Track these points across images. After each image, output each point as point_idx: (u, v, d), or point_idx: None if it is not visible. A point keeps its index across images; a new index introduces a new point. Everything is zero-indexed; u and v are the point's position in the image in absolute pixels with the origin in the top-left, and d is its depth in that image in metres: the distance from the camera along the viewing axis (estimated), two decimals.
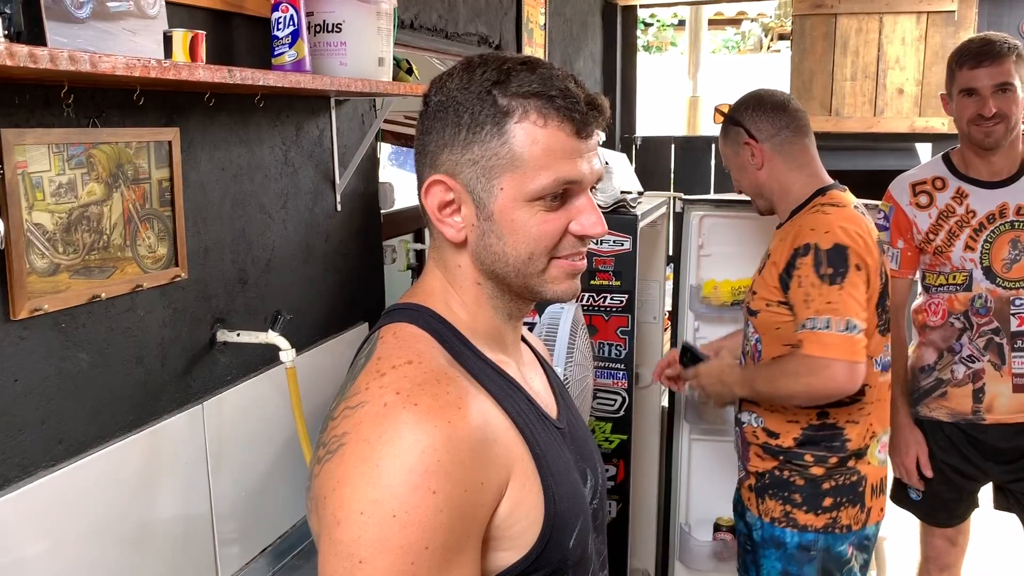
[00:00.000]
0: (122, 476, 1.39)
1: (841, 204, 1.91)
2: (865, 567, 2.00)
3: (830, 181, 1.97)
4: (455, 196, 0.93)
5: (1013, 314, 2.24)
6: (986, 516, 2.60)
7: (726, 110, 2.08)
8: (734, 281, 2.83)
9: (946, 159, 2.39)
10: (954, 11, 4.17)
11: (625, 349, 2.33)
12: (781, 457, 1.96)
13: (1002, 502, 2.47)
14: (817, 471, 1.93)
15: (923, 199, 2.34)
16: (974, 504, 2.50)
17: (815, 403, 1.89)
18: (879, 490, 1.98)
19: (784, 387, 1.87)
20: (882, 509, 1.99)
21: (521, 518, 0.88)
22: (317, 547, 0.84)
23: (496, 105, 0.90)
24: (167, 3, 1.37)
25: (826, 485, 1.92)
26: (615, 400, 2.36)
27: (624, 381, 2.35)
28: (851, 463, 1.93)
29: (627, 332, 2.32)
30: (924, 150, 4.36)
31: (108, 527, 1.36)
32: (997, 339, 2.27)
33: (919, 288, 2.44)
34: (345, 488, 0.80)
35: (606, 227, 0.98)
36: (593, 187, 0.97)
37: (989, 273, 2.25)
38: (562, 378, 1.80)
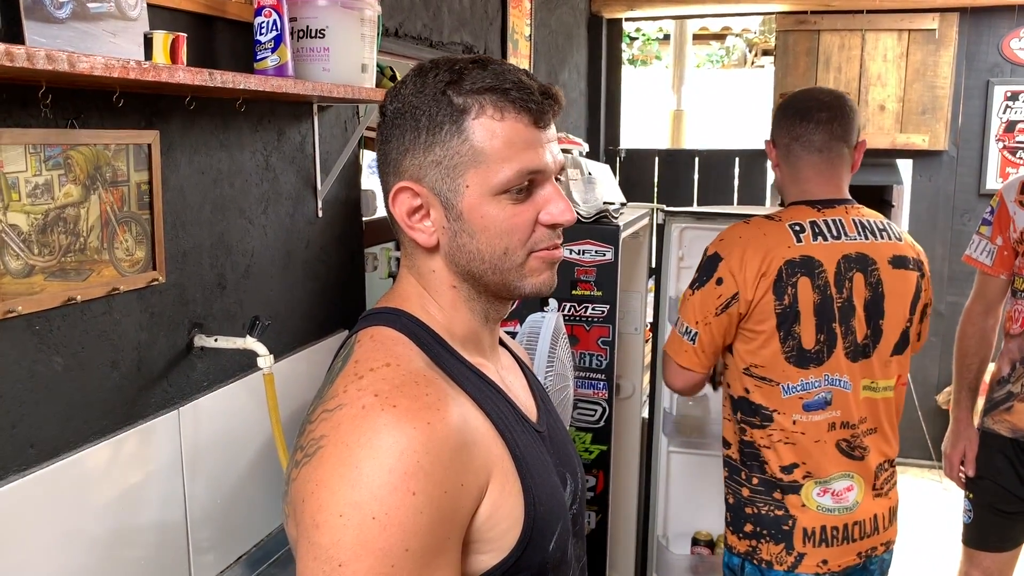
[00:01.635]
0: (95, 482, 1.37)
1: (775, 218, 1.87)
2: None
3: (818, 197, 1.88)
4: (422, 201, 0.94)
5: None
6: None
7: None
8: None
9: None
10: (935, 29, 4.22)
11: (606, 359, 2.33)
12: (728, 470, 1.97)
13: None
14: (744, 492, 1.91)
15: None
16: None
17: (677, 394, 2.02)
18: (821, 539, 1.85)
19: None
20: (825, 562, 1.85)
21: (501, 520, 0.88)
22: (294, 553, 0.83)
23: (452, 104, 0.91)
24: (149, 5, 1.36)
25: (748, 510, 1.90)
26: (595, 410, 2.36)
27: (604, 391, 2.35)
28: (776, 495, 1.86)
29: (608, 342, 2.32)
30: (905, 166, 4.40)
31: (80, 533, 1.34)
32: None
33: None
34: (324, 491, 0.79)
35: (575, 214, 0.98)
36: (557, 176, 0.98)
37: None
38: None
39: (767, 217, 1.89)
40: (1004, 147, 4.31)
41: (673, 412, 2.96)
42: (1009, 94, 4.27)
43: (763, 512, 1.87)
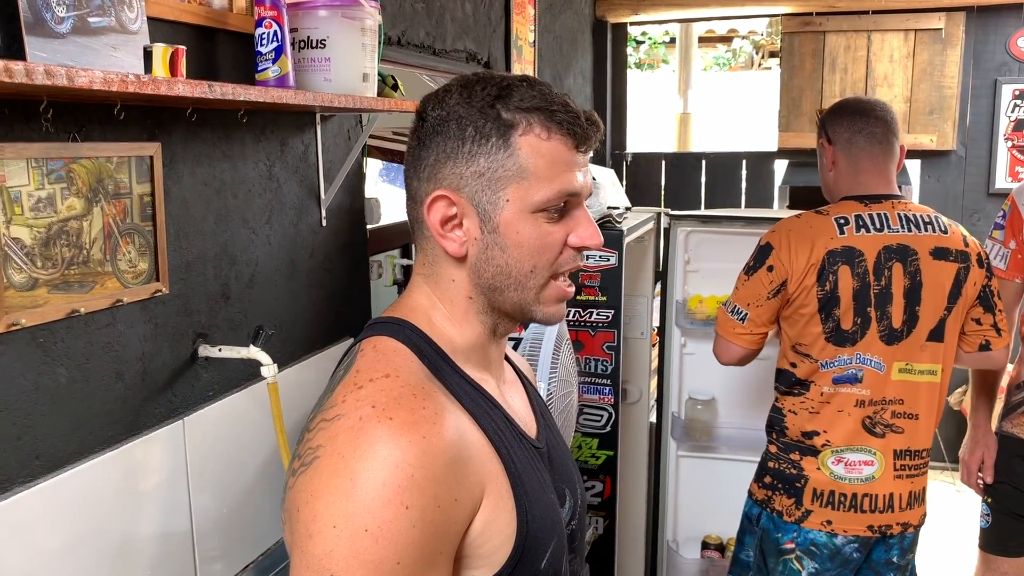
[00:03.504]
0: (101, 493, 1.38)
1: (823, 212, 2.03)
2: None
3: (874, 192, 2.03)
4: (457, 211, 0.94)
5: None
6: None
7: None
8: (720, 296, 2.84)
9: None
10: (941, 29, 4.21)
11: (611, 364, 2.32)
12: (767, 427, 2.15)
13: None
14: (771, 448, 2.12)
15: None
16: None
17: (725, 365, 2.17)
18: (828, 501, 2.01)
19: None
20: (829, 522, 2.01)
21: (494, 536, 0.88)
22: (290, 559, 0.84)
23: (500, 118, 0.92)
24: (150, 19, 1.37)
25: (771, 464, 2.10)
26: (601, 416, 2.36)
27: (610, 397, 2.35)
28: (794, 455, 2.05)
29: (613, 347, 2.32)
30: (913, 167, 4.39)
31: (86, 544, 1.35)
32: None
33: None
34: (318, 501, 0.80)
35: (602, 239, 0.99)
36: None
37: None
38: (545, 394, 1.80)
39: (816, 212, 2.05)
40: (1013, 146, 4.29)
41: (682, 416, 2.96)
42: (1017, 92, 4.26)
43: (781, 468, 2.07)
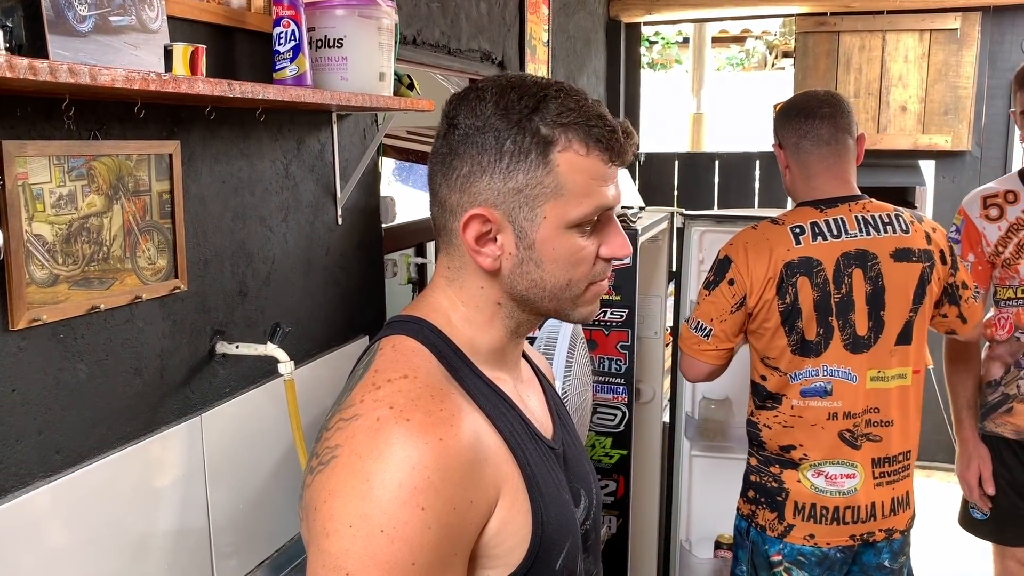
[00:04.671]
0: (119, 488, 1.39)
1: (779, 221, 1.97)
2: None
3: (828, 195, 1.97)
4: (493, 227, 0.93)
5: None
6: None
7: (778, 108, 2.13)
8: None
9: (1021, 174, 2.39)
10: (957, 29, 4.19)
11: (625, 364, 2.33)
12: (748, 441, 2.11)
13: None
14: (752, 461, 2.07)
15: (993, 212, 2.35)
16: None
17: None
18: (810, 515, 1.96)
19: None
20: (812, 536, 1.96)
21: (509, 537, 0.88)
22: (307, 555, 0.84)
23: (540, 134, 0.90)
24: (169, 18, 1.38)
25: (752, 477, 2.06)
26: (615, 415, 2.36)
27: (624, 396, 2.35)
28: (774, 468, 2.01)
29: (627, 347, 2.32)
30: (928, 167, 4.37)
31: (104, 539, 1.36)
32: None
33: (991, 303, 2.42)
34: (335, 500, 0.80)
35: (631, 249, 0.99)
36: None
37: None
38: (561, 393, 1.80)
39: (772, 221, 1.99)
40: None
41: (695, 416, 2.96)
42: None
43: (763, 482, 2.03)
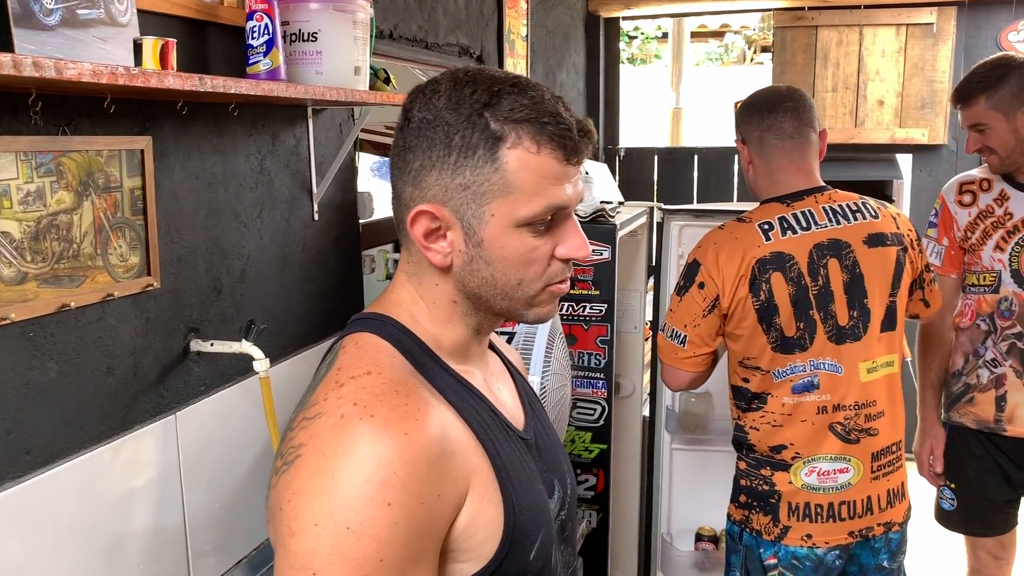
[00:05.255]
0: (92, 488, 1.37)
1: (745, 219, 1.96)
2: None
3: (793, 189, 1.96)
4: (441, 223, 0.92)
5: None
6: None
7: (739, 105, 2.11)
8: None
9: None
10: (933, 23, 4.21)
11: (604, 358, 2.33)
12: (734, 446, 2.08)
13: None
14: (741, 465, 2.03)
15: (967, 198, 2.37)
16: (1014, 516, 2.47)
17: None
18: (804, 515, 1.94)
19: None
20: (809, 536, 1.93)
21: (480, 530, 0.88)
22: (275, 557, 0.83)
23: (489, 129, 0.88)
24: (140, 12, 1.36)
25: (743, 482, 2.02)
26: (594, 409, 2.36)
27: (603, 391, 2.35)
28: (765, 471, 1.97)
29: (606, 341, 2.32)
30: (905, 161, 4.39)
31: (77, 539, 1.34)
32: (1020, 344, 2.27)
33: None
34: (300, 500, 0.79)
35: (590, 250, 0.98)
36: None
37: (1017, 276, 2.26)
38: (539, 388, 1.80)
39: (738, 220, 1.97)
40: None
41: (676, 409, 2.96)
42: None
43: (754, 485, 1.99)
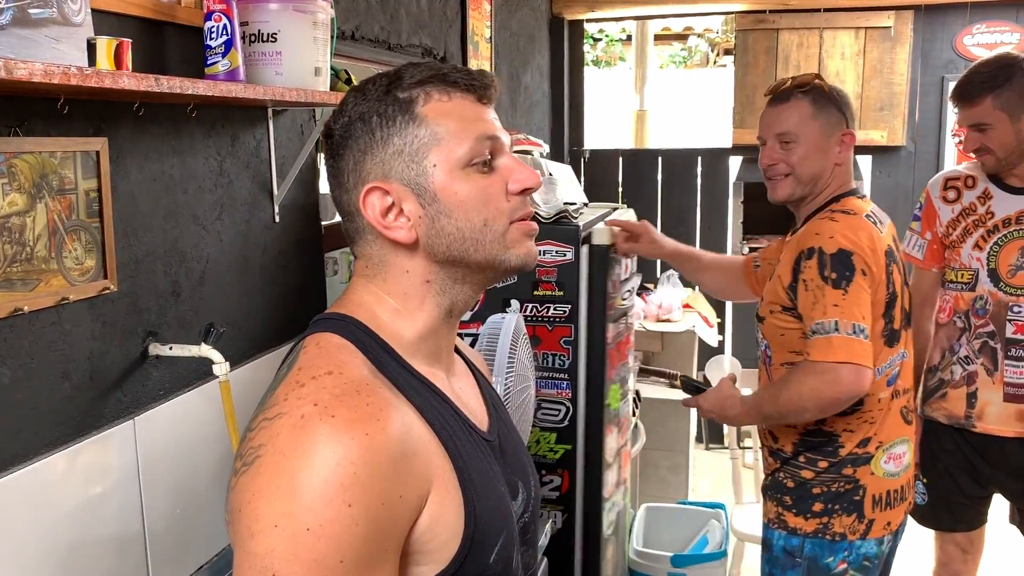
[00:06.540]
0: (48, 495, 1.35)
1: (852, 211, 1.92)
2: None
3: (853, 186, 2.01)
4: (393, 198, 0.93)
5: (1009, 320, 2.27)
6: (1006, 530, 2.60)
7: (819, 82, 1.99)
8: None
9: None
10: (891, 27, 4.28)
11: (568, 359, 2.33)
12: (779, 461, 2.02)
13: (1014, 517, 2.49)
14: (807, 475, 1.96)
15: (951, 194, 2.40)
16: (983, 513, 2.49)
17: (824, 411, 1.83)
18: (885, 503, 1.93)
19: (790, 400, 1.84)
20: (889, 524, 1.95)
21: (441, 531, 0.87)
22: (234, 559, 0.83)
23: (399, 100, 0.94)
24: (95, 11, 1.34)
25: (816, 490, 1.95)
26: (559, 410, 2.36)
27: (568, 391, 2.35)
28: (846, 470, 1.92)
29: (571, 342, 2.33)
30: (864, 162, 4.45)
31: (33, 548, 1.32)
32: (992, 343, 2.30)
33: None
34: (259, 501, 0.79)
35: (540, 179, 0.99)
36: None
37: (994, 275, 2.29)
38: (503, 389, 1.80)
39: (845, 212, 1.93)
40: (960, 142, 4.37)
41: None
42: None
43: (833, 489, 1.93)
